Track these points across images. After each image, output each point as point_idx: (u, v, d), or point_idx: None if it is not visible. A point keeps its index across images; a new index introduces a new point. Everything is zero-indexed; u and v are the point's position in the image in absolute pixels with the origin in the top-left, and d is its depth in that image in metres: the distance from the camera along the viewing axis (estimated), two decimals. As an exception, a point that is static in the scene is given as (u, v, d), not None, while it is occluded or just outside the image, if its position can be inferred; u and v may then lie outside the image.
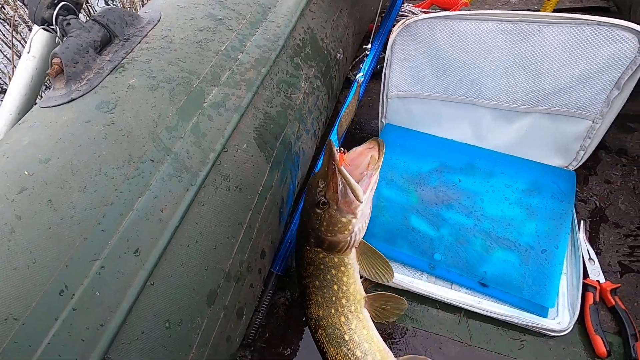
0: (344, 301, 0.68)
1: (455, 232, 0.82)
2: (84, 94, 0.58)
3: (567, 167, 0.91)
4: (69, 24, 0.63)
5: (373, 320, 0.70)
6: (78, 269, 0.44)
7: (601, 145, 0.98)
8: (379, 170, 0.63)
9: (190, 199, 0.55)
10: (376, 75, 1.13)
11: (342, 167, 0.59)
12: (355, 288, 0.69)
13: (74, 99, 0.57)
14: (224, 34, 0.72)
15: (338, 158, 0.59)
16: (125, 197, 0.51)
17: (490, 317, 0.76)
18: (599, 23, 0.70)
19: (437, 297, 0.79)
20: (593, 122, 0.84)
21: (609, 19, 0.69)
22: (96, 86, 0.59)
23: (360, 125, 1.19)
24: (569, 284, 0.75)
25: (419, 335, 0.78)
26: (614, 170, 0.92)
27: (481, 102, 0.91)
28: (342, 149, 0.63)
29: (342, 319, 0.68)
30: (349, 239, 0.64)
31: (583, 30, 0.72)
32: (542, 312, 0.72)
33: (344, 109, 0.95)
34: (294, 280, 0.90)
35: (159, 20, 0.71)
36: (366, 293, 0.71)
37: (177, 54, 0.66)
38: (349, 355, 0.67)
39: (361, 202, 0.60)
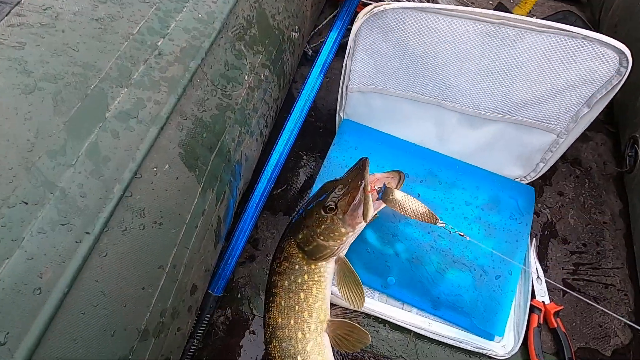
0: (306, 314, 0.65)
1: (411, 250, 0.77)
2: None
3: (524, 177, 0.88)
4: None
5: (332, 348, 0.66)
6: None
7: (558, 154, 0.96)
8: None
9: (85, 253, 0.41)
10: (342, 47, 0.97)
11: (369, 189, 0.63)
12: (321, 306, 0.66)
13: None
14: (137, 9, 0.54)
15: (368, 180, 0.63)
16: (-18, 261, 0.36)
17: (439, 340, 0.74)
18: (585, 37, 0.62)
19: (387, 317, 0.75)
20: (558, 136, 0.80)
21: (595, 34, 0.62)
22: None
23: (316, 113, 1.06)
24: (517, 306, 0.74)
25: (367, 356, 0.75)
26: (568, 182, 0.91)
27: (447, 104, 0.82)
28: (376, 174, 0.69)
29: (300, 335, 0.64)
30: (336, 248, 0.64)
31: (567, 42, 0.64)
32: (489, 336, 0.71)
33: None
34: (235, 295, 0.81)
35: (40, -19, 0.51)
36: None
37: (65, 36, 0.48)
38: None
39: (365, 223, 0.63)
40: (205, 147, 0.58)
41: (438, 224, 0.62)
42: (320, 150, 1.00)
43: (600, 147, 0.95)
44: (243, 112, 0.66)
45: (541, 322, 0.74)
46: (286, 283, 0.66)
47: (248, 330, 0.79)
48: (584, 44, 0.64)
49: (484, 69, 0.73)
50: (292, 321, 0.66)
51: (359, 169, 0.64)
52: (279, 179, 0.96)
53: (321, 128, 1.04)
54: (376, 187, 0.66)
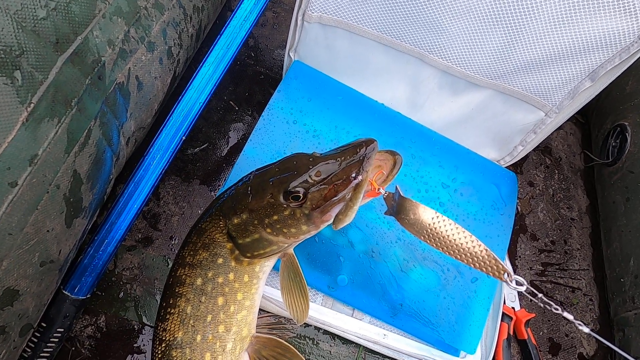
0: (221, 328, 0.46)
1: (370, 241, 0.58)
2: None
3: (499, 161, 0.76)
4: None
5: None
6: None
7: (529, 139, 0.86)
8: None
9: None
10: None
11: (365, 188, 0.43)
12: (246, 317, 0.47)
13: None
14: None
15: (367, 175, 0.41)
16: None
17: (393, 357, 0.58)
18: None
19: (332, 327, 0.57)
20: (546, 114, 0.67)
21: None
22: None
23: (256, 54, 0.81)
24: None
25: (301, 379, 0.56)
26: (538, 172, 0.81)
27: (431, 58, 0.64)
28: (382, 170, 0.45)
29: (208, 357, 0.45)
30: (285, 246, 0.46)
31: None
32: (455, 352, 0.57)
33: None
34: (114, 295, 0.55)
35: None
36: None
37: None
38: None
39: (335, 229, 0.44)
40: (44, 38, 0.31)
41: (507, 282, 0.37)
42: (259, 103, 0.76)
43: (569, 137, 0.87)
44: (135, 3, 0.39)
45: (511, 332, 0.62)
46: (199, 281, 0.45)
47: (131, 348, 0.54)
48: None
49: (487, 13, 0.56)
50: (199, 337, 0.46)
51: (357, 153, 0.41)
52: (197, 133, 0.70)
53: (262, 74, 0.79)
54: (382, 190, 0.43)
